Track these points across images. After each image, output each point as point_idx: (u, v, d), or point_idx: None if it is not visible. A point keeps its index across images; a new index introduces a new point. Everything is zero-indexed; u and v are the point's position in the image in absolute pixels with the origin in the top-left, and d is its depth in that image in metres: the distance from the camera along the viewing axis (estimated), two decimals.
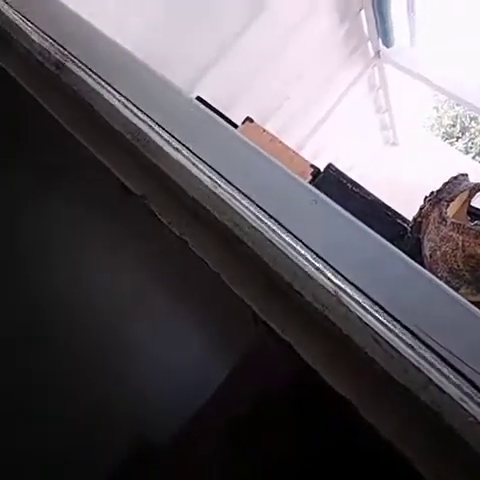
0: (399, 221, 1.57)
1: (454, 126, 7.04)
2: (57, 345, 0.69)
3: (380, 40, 3.94)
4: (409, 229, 1.29)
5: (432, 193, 1.28)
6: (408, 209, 1.69)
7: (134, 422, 0.76)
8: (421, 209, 1.23)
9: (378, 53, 4.24)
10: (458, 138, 6.78)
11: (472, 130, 6.72)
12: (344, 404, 0.34)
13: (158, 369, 0.66)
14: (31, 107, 0.63)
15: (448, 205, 1.12)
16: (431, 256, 1.16)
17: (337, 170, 1.64)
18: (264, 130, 1.59)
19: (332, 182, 1.59)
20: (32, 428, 0.75)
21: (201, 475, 0.60)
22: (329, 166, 1.65)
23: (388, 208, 1.62)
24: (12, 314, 0.74)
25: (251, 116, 1.73)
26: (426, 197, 1.30)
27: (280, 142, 1.57)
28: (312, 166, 1.62)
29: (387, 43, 3.96)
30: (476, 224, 1.04)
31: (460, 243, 1.03)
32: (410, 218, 1.67)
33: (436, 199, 1.17)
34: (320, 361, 0.36)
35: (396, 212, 1.61)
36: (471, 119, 6.62)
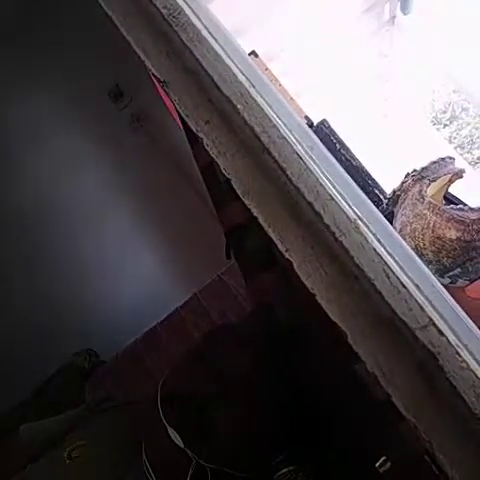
0: (377, 191, 1.60)
1: (445, 113, 7.03)
2: None
3: (399, 4, 3.79)
4: (386, 201, 1.31)
5: (415, 170, 1.29)
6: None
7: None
8: (402, 183, 1.25)
9: (393, 18, 4.09)
10: (445, 125, 6.79)
11: (461, 121, 6.74)
12: (334, 329, 0.35)
13: None
14: None
15: (429, 184, 1.13)
16: (401, 230, 1.19)
17: (329, 127, 1.62)
18: (267, 68, 1.52)
19: (322, 138, 1.57)
20: None
21: None
22: (323, 122, 1.62)
23: (369, 176, 1.64)
24: None
25: (257, 51, 1.65)
26: (408, 173, 1.31)
27: (280, 85, 1.52)
28: (306, 117, 1.59)
29: (405, 10, 3.81)
30: (451, 208, 1.07)
31: (432, 223, 1.06)
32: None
33: (419, 176, 1.19)
34: (321, 287, 0.36)
35: (376, 182, 1.63)
36: (463, 109, 6.62)
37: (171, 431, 0.79)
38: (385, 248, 0.33)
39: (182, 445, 0.78)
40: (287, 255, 0.37)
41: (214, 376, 0.85)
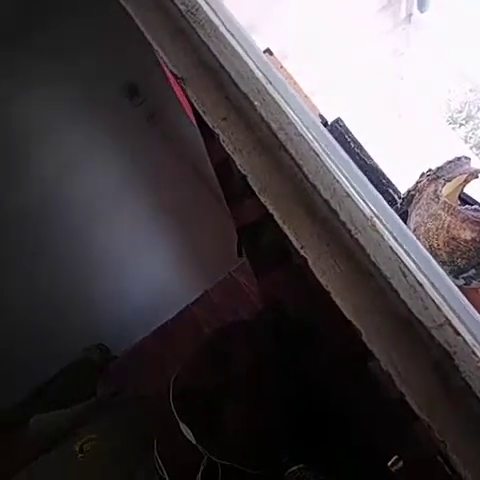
0: (390, 191, 1.58)
1: (461, 112, 6.95)
2: None
3: (416, 2, 3.74)
4: (400, 200, 1.30)
5: (430, 169, 1.28)
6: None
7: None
8: (417, 183, 1.24)
9: (409, 16, 4.04)
10: (461, 125, 6.71)
11: (477, 121, 6.65)
12: (347, 326, 0.35)
13: None
14: None
15: (445, 184, 1.12)
16: (415, 230, 1.18)
17: (344, 126, 1.61)
18: (282, 66, 1.52)
19: (337, 137, 1.56)
20: None
21: None
22: (337, 120, 1.61)
23: (383, 176, 1.62)
24: None
25: (271, 48, 1.64)
26: (423, 172, 1.30)
27: (295, 83, 1.51)
28: (320, 116, 1.58)
29: (422, 7, 3.76)
30: (466, 208, 1.06)
31: (446, 223, 1.05)
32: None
33: (434, 176, 1.17)
34: (335, 284, 0.36)
35: (390, 181, 1.61)
36: (479, 109, 6.53)
37: (183, 427, 0.80)
38: (402, 246, 0.33)
39: (194, 441, 0.79)
40: (302, 252, 0.37)
41: (225, 373, 0.86)
